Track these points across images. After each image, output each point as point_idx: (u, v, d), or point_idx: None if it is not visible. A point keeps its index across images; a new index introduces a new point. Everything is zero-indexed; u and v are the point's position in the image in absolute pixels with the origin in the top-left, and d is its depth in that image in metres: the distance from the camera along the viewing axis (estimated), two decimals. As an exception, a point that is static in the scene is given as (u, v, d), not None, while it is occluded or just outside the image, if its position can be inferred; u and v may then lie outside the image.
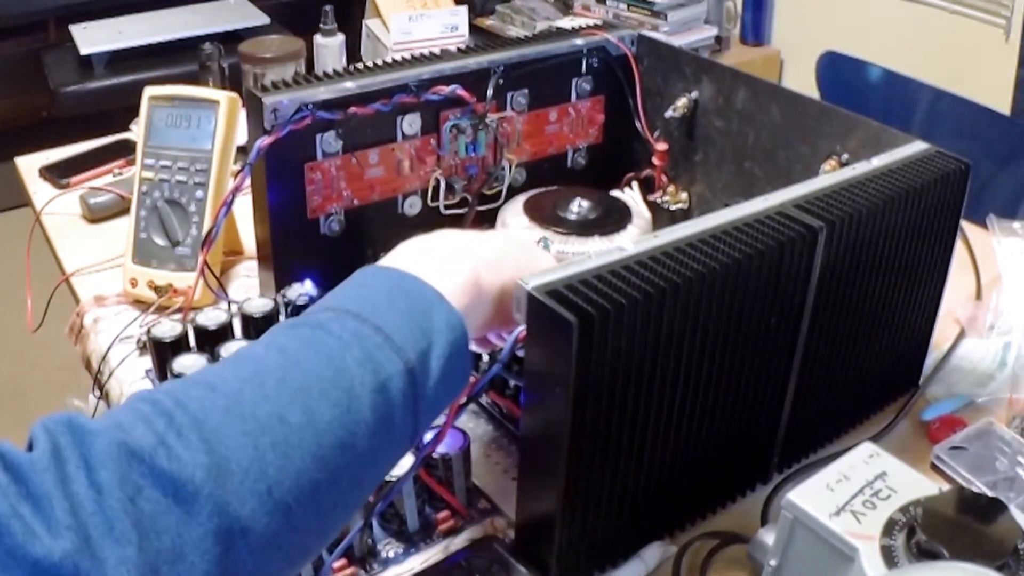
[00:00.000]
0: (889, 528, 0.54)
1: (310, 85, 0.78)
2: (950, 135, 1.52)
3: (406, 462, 0.65)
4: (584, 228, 0.87)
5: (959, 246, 0.79)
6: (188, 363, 0.72)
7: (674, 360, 0.59)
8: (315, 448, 0.48)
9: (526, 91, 0.91)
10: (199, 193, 0.90)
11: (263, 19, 2.73)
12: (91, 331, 0.92)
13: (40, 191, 1.16)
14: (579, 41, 0.93)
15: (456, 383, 0.56)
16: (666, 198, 0.97)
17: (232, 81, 1.27)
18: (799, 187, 0.68)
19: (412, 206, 0.88)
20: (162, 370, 0.77)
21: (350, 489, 0.50)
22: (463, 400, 0.60)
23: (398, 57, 0.85)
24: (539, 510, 0.62)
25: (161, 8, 2.77)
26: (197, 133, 0.91)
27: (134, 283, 0.92)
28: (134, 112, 0.98)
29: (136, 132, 1.07)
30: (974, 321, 0.90)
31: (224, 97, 0.91)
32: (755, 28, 2.58)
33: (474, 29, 2.28)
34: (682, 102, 0.93)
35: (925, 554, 0.52)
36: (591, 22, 0.99)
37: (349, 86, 0.79)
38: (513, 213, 0.89)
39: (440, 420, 0.59)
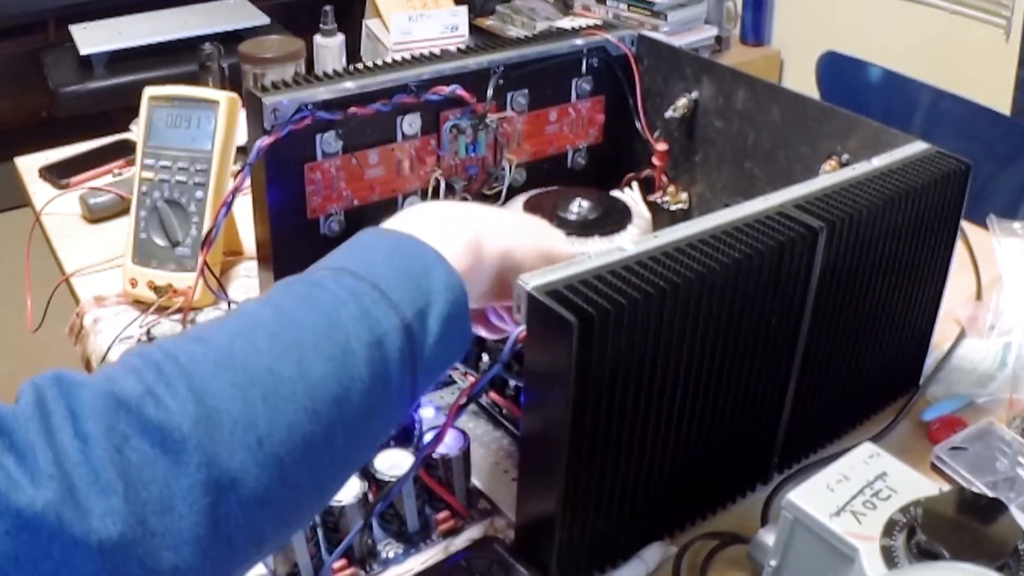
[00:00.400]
0: (889, 528, 0.54)
1: (310, 85, 0.78)
2: (950, 135, 1.52)
3: (406, 462, 0.65)
4: (584, 228, 0.87)
5: (959, 246, 0.79)
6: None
7: (674, 360, 0.59)
8: (307, 401, 0.47)
9: (526, 91, 0.91)
10: (199, 193, 0.90)
11: (263, 19, 2.73)
12: (91, 331, 0.91)
13: (40, 191, 1.16)
14: (579, 41, 0.93)
15: (456, 344, 0.55)
16: (666, 198, 0.97)
17: (232, 81, 1.27)
18: (799, 187, 0.68)
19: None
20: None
21: (346, 446, 0.49)
22: (463, 400, 0.60)
23: (398, 57, 0.85)
24: (539, 510, 0.61)
25: (161, 8, 2.77)
26: (197, 133, 0.91)
27: (134, 283, 0.92)
28: (134, 112, 0.98)
29: (136, 132, 1.07)
30: (974, 321, 0.90)
31: (224, 97, 0.91)
32: (755, 28, 2.58)
33: (474, 29, 2.28)
34: (682, 102, 0.93)
35: (925, 554, 0.52)
36: (591, 22, 0.99)
37: (349, 86, 0.79)
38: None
39: (440, 421, 0.58)
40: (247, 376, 0.46)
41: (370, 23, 2.03)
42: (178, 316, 0.87)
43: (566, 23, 1.96)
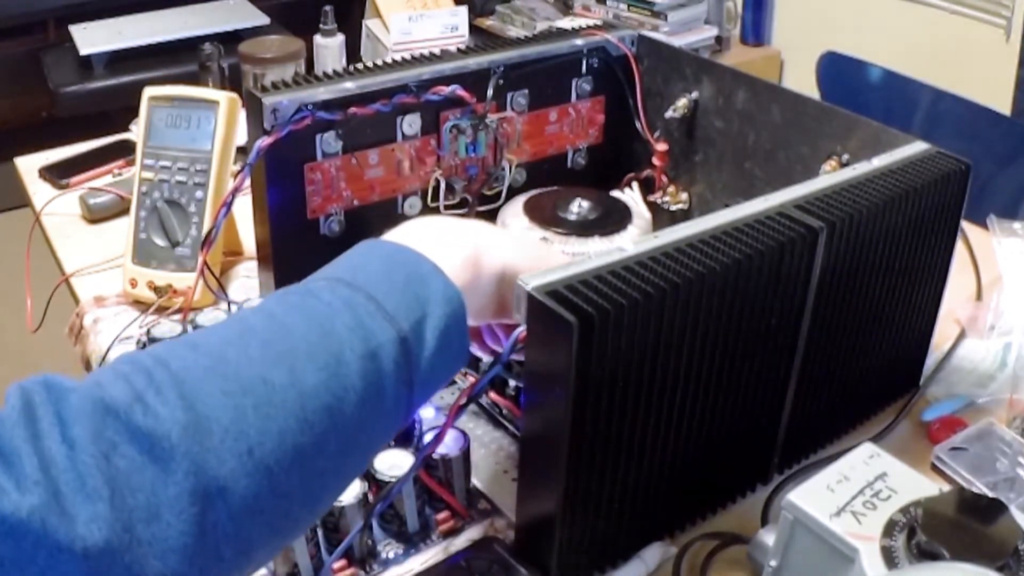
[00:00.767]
0: (889, 529, 0.54)
1: (310, 85, 0.78)
2: (950, 135, 1.52)
3: (406, 462, 0.65)
4: (584, 228, 0.87)
5: (959, 246, 0.79)
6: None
7: (674, 360, 0.59)
8: (299, 411, 0.47)
9: (526, 91, 0.91)
10: (199, 193, 0.90)
11: (263, 19, 2.73)
12: (91, 332, 0.91)
13: (40, 191, 1.16)
14: (579, 41, 0.93)
15: (453, 357, 0.55)
16: (666, 198, 0.97)
17: (232, 81, 1.27)
18: (799, 187, 0.68)
19: (412, 207, 0.88)
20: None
21: (338, 456, 0.49)
22: (463, 400, 0.60)
23: (398, 57, 0.85)
24: (539, 510, 0.61)
25: (161, 8, 2.77)
26: (197, 133, 0.91)
27: (134, 283, 0.91)
28: (134, 112, 0.98)
29: (136, 132, 1.07)
30: (974, 321, 0.89)
31: (224, 97, 0.91)
32: (755, 28, 2.58)
33: (474, 29, 2.28)
34: (682, 102, 0.93)
35: (925, 555, 0.52)
36: (591, 22, 0.99)
37: (349, 86, 0.79)
38: (513, 213, 0.89)
39: (440, 421, 0.58)
40: (239, 384, 0.46)
41: (370, 23, 2.03)
42: (178, 316, 0.87)
43: (566, 23, 1.96)
